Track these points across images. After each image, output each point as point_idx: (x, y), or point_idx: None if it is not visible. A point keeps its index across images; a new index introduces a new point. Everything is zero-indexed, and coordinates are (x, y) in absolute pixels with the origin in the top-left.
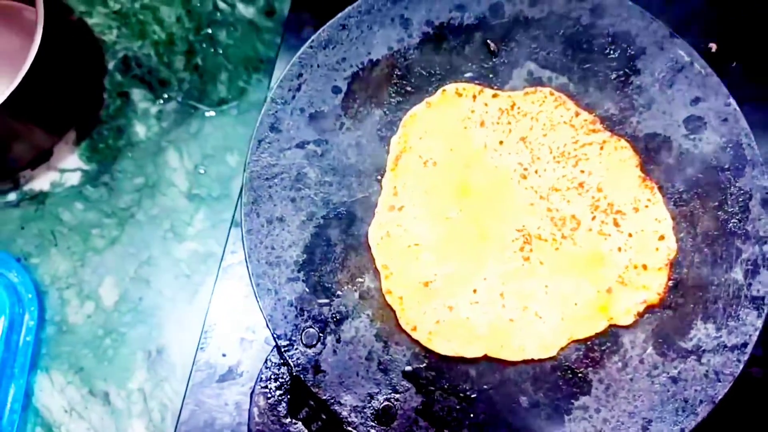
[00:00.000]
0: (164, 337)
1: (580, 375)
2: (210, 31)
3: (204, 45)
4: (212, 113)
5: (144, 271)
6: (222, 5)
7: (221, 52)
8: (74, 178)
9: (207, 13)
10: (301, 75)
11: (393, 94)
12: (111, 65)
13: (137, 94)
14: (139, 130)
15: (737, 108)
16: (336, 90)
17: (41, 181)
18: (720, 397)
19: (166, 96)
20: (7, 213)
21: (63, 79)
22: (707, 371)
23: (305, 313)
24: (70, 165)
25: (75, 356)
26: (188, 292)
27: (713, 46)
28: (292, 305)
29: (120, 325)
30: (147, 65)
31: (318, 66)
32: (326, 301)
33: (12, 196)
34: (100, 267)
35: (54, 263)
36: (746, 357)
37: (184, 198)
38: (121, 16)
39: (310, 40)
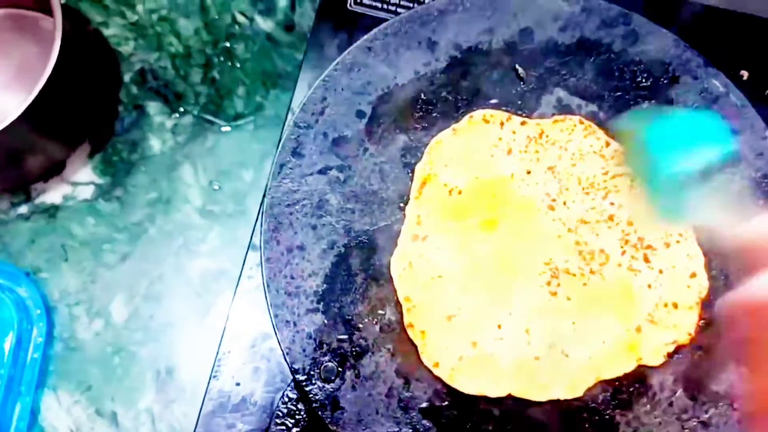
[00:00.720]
0: (175, 357)
1: (607, 417)
2: (228, 44)
3: (221, 58)
4: (228, 128)
5: (155, 288)
6: (240, 18)
7: (239, 66)
8: (87, 192)
9: (225, 26)
10: (324, 99)
11: (418, 119)
12: (127, 77)
13: (153, 107)
14: (154, 143)
15: None
16: (360, 114)
17: (53, 194)
18: None
19: (181, 109)
20: (18, 226)
21: (79, 90)
22: (741, 417)
23: (324, 346)
24: (83, 178)
25: (83, 374)
26: (200, 311)
27: (745, 74)
28: (311, 338)
29: (130, 343)
30: (163, 78)
31: (342, 89)
32: (346, 334)
33: (23, 209)
34: (110, 283)
35: (64, 278)
36: None
37: (198, 214)
38: (138, 28)
39: (334, 63)
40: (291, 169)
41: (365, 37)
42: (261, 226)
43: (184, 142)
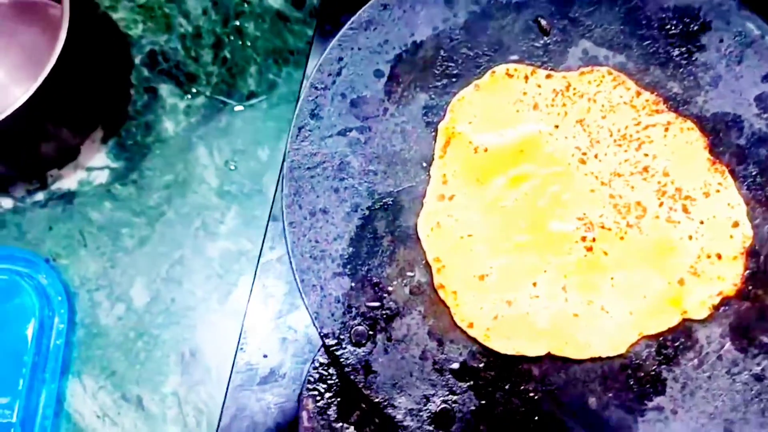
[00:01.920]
0: (198, 339)
1: (652, 373)
2: (237, 23)
3: (232, 38)
4: (241, 108)
5: (175, 271)
6: None
7: (249, 44)
8: (102, 177)
9: (234, 5)
10: (341, 59)
11: (439, 77)
12: (137, 60)
13: (165, 89)
14: (168, 126)
15: None
16: (378, 74)
17: (69, 181)
18: None
19: (194, 91)
20: (35, 213)
21: (89, 75)
22: None
23: (353, 309)
24: (97, 163)
25: (107, 360)
26: (221, 292)
27: None
28: (338, 302)
29: (152, 327)
30: (174, 59)
31: (359, 48)
32: (375, 297)
33: (39, 196)
34: (130, 267)
35: (83, 264)
36: None
37: (215, 195)
38: (146, 10)
39: (350, 22)
40: (310, 131)
41: None
42: (282, 190)
43: (197, 123)
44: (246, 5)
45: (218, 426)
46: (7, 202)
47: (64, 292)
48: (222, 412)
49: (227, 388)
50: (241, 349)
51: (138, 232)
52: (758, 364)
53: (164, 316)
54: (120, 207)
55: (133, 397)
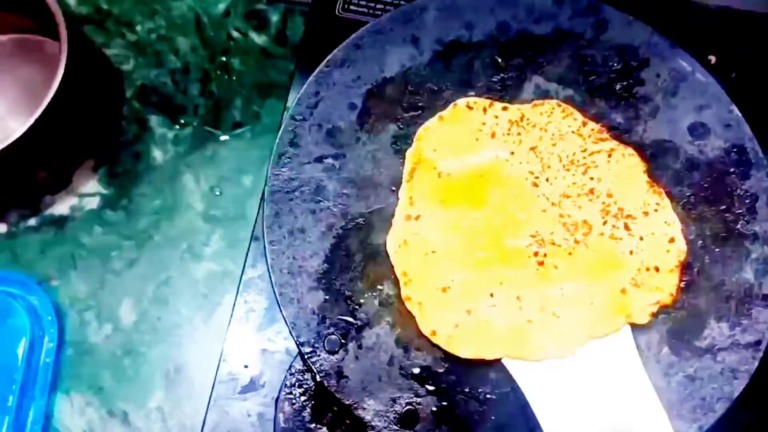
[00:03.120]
0: (183, 356)
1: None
2: (224, 59)
3: (218, 72)
4: (227, 137)
5: (162, 291)
6: (235, 34)
7: (235, 78)
8: (93, 203)
9: (221, 42)
10: (318, 93)
11: (407, 109)
12: (129, 93)
13: (154, 120)
14: (157, 154)
15: (739, 114)
16: (352, 106)
17: (61, 206)
18: (737, 394)
19: (182, 122)
20: (28, 237)
21: (83, 108)
22: (723, 369)
23: (327, 320)
24: (89, 190)
25: (95, 377)
26: (206, 311)
27: (712, 59)
28: (314, 313)
29: (139, 345)
30: (164, 93)
31: (334, 84)
32: (347, 308)
33: (33, 221)
34: (119, 288)
35: (74, 285)
36: (761, 354)
37: (201, 219)
38: (138, 47)
39: (326, 60)
40: (289, 158)
41: (354, 35)
42: (263, 212)
43: (185, 152)
44: (232, 42)
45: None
46: (2, 227)
47: (54, 312)
48: (205, 418)
49: (210, 398)
50: (224, 360)
51: (127, 254)
52: (691, 366)
53: (151, 335)
54: (110, 231)
55: (119, 413)
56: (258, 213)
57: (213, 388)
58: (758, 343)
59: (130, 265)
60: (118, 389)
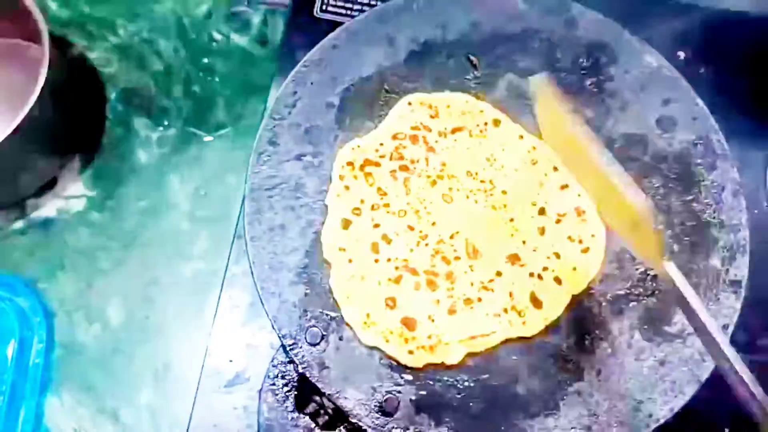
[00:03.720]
0: (171, 354)
1: (572, 361)
2: (206, 60)
3: (201, 74)
4: (210, 138)
5: (150, 290)
6: (217, 36)
7: (217, 80)
8: (79, 204)
9: (203, 44)
10: (296, 92)
11: (383, 107)
12: (113, 96)
13: (138, 122)
14: (141, 156)
15: (705, 107)
16: (330, 105)
17: (47, 209)
18: (706, 377)
19: (166, 123)
20: (16, 240)
21: (66, 111)
22: (692, 353)
23: (308, 313)
24: (75, 192)
25: (84, 376)
26: (193, 310)
27: (681, 54)
28: (295, 306)
29: (128, 343)
30: (147, 95)
31: (312, 83)
32: (328, 302)
33: (19, 224)
34: (106, 288)
35: (62, 287)
36: (728, 338)
37: (187, 219)
38: (121, 50)
39: (303, 60)
40: (269, 156)
41: (330, 35)
42: (244, 208)
43: (169, 153)
44: (214, 44)
45: (189, 425)
46: None
47: (42, 313)
48: (192, 412)
49: (196, 392)
50: (209, 355)
51: (114, 255)
52: (662, 351)
53: (139, 334)
54: (96, 232)
55: (109, 411)
56: (240, 211)
57: (199, 383)
58: (725, 327)
59: (117, 265)
60: (107, 388)
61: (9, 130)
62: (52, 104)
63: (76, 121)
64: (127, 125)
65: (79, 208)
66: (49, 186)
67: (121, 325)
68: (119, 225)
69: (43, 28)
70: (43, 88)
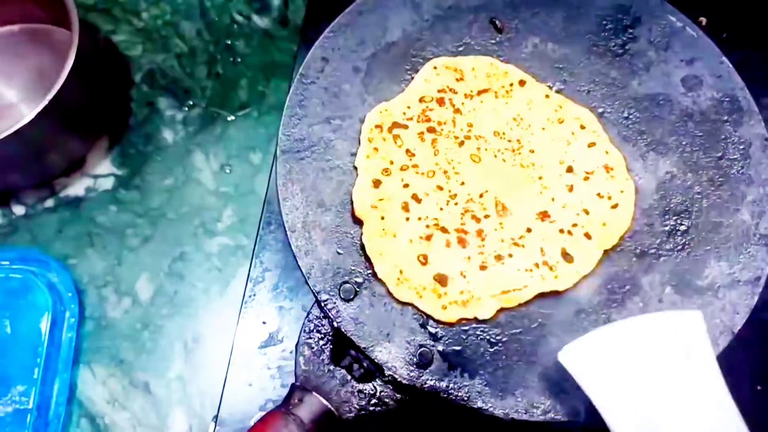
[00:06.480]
0: (200, 328)
1: (603, 316)
2: (228, 42)
3: (224, 55)
4: (233, 117)
5: (177, 266)
6: (238, 18)
7: (240, 60)
8: (107, 183)
9: (225, 26)
10: (324, 58)
11: (409, 71)
12: (138, 77)
13: (163, 102)
14: (167, 135)
15: (730, 65)
16: (357, 70)
17: (76, 187)
18: (738, 327)
19: (190, 103)
20: (46, 218)
21: (93, 93)
22: (724, 305)
23: (341, 270)
24: (102, 171)
25: (115, 349)
26: (220, 284)
27: (703, 20)
28: (328, 264)
29: (157, 318)
30: (171, 76)
31: (339, 49)
32: (359, 259)
33: (49, 202)
34: (135, 264)
35: (91, 263)
36: (759, 290)
37: (212, 196)
38: (145, 33)
39: (330, 26)
40: (299, 119)
41: (357, 1)
42: (276, 170)
43: (194, 132)
44: (236, 26)
45: (224, 383)
46: (20, 209)
47: (74, 288)
48: (227, 374)
49: (230, 357)
50: (242, 317)
51: (141, 231)
52: (694, 304)
53: (168, 308)
54: (124, 210)
55: (140, 383)
56: (269, 176)
57: (233, 345)
58: (757, 279)
59: (145, 241)
60: (138, 361)
61: (38, 112)
62: (79, 86)
63: (102, 102)
64: (152, 106)
65: (107, 187)
66: (77, 165)
67: (149, 300)
68: (146, 202)
69: (73, 12)
70: (71, 70)
